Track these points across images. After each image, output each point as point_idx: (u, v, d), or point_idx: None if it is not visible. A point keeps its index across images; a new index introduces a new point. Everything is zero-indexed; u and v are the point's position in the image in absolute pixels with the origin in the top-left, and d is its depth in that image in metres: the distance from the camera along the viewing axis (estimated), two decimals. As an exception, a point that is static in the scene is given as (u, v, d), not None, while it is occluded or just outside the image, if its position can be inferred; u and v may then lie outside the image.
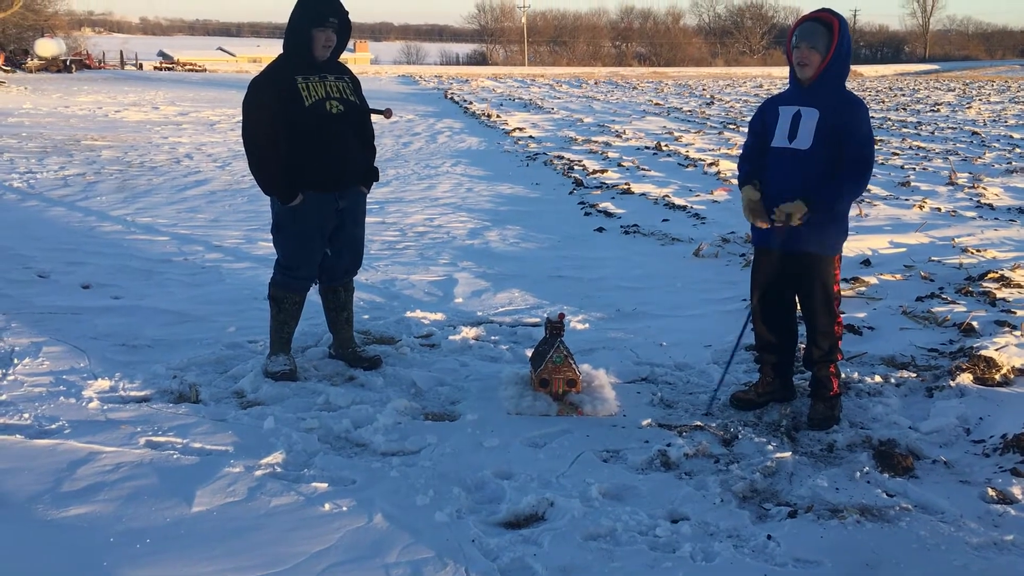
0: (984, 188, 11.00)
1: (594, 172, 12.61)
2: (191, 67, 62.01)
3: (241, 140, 4.47)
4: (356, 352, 4.78)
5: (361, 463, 3.58)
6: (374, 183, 4.76)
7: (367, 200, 4.81)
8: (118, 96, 27.25)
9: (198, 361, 4.71)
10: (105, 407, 4.05)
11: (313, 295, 4.79)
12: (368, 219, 4.89)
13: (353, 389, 4.40)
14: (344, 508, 3.18)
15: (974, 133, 18.74)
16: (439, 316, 5.67)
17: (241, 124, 4.43)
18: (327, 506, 3.19)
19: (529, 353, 4.66)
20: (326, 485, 3.34)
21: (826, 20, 3.90)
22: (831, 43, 3.87)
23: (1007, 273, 6.32)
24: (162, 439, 3.73)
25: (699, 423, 4.01)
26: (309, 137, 4.32)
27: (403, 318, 5.59)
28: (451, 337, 5.23)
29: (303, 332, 5.05)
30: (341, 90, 4.44)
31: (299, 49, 4.35)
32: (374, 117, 4.72)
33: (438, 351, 5.04)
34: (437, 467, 3.55)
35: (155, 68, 60.73)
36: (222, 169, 12.57)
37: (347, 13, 4.42)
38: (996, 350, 4.64)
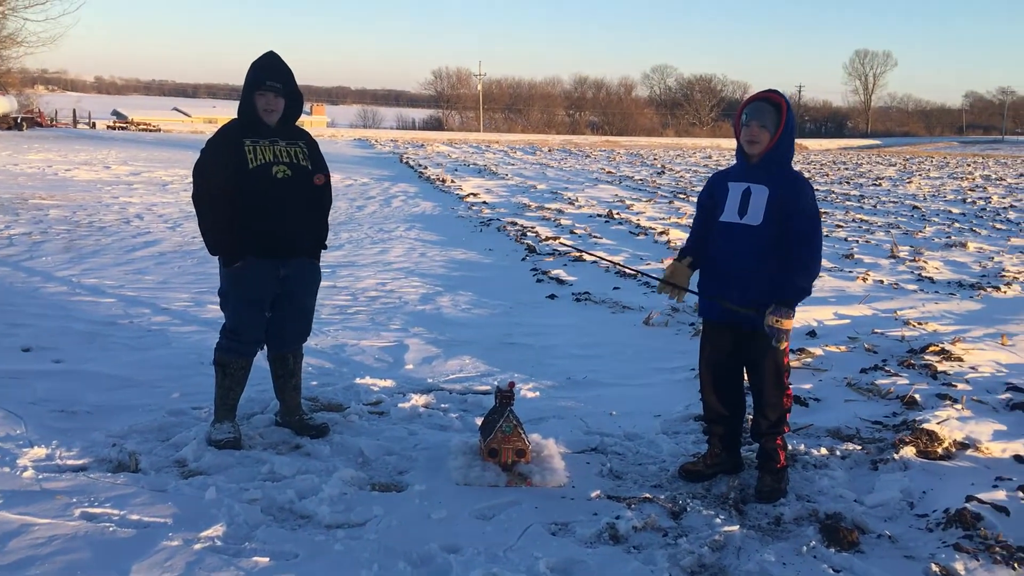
0: (925, 261, 11.30)
1: (547, 239, 12.73)
2: (145, 127, 61.80)
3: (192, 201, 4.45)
4: (303, 420, 4.71)
5: (305, 536, 3.50)
6: (322, 251, 4.71)
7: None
8: (69, 155, 26.99)
9: (139, 428, 4.60)
10: (40, 476, 3.92)
11: (261, 361, 4.73)
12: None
13: (299, 458, 4.33)
14: (285, 584, 3.10)
15: (915, 207, 19.32)
16: (389, 383, 5.62)
17: (192, 185, 4.42)
18: (268, 581, 3.10)
19: (479, 422, 4.63)
20: (267, 559, 3.26)
21: (774, 101, 4.04)
22: (779, 122, 3.99)
23: (947, 346, 6.46)
24: (98, 510, 3.61)
25: (648, 495, 4.00)
26: (252, 201, 4.30)
27: (352, 384, 5.54)
28: (400, 405, 5.18)
29: (249, 399, 4.96)
30: (292, 155, 4.43)
31: (248, 112, 4.38)
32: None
33: (387, 419, 4.99)
34: (382, 540, 3.48)
35: (108, 127, 60.45)
36: (173, 230, 12.45)
37: (291, 76, 4.43)
38: (938, 423, 4.72)
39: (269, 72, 4.37)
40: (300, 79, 4.54)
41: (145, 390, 5.30)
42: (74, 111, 64.08)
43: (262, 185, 4.30)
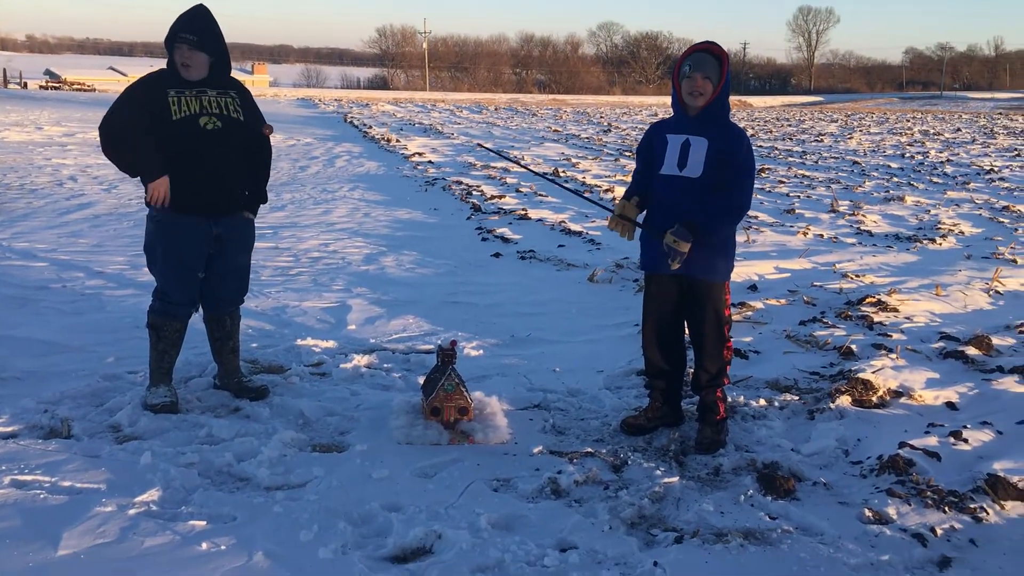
0: (863, 215, 11.48)
1: (492, 198, 12.66)
2: (79, 86, 59.96)
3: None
4: (242, 382, 4.63)
5: (243, 498, 3.45)
6: (261, 206, 4.60)
7: (257, 224, 4.67)
8: (-2, 115, 26.07)
9: (72, 394, 4.48)
10: (-33, 445, 3.81)
11: (199, 323, 4.63)
12: (260, 244, 4.76)
13: (238, 421, 4.26)
14: (223, 547, 3.05)
15: (855, 162, 19.58)
16: (331, 344, 5.56)
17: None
18: (204, 545, 3.05)
19: (421, 381, 4.60)
20: (204, 523, 3.21)
21: (716, 53, 4.00)
22: (722, 75, 3.97)
23: (884, 298, 6.59)
24: (28, 478, 3.51)
25: (590, 449, 4.02)
26: (178, 155, 4.15)
27: (293, 346, 5.46)
28: (342, 365, 5.13)
29: (186, 361, 4.87)
30: (223, 106, 4.28)
31: (172, 66, 4.23)
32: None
33: (328, 380, 4.93)
34: (323, 501, 3.45)
35: (41, 87, 58.56)
36: (108, 192, 12.13)
37: (209, 29, 4.23)
38: (873, 373, 4.81)
39: (183, 24, 4.19)
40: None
41: (78, 355, 5.17)
42: (4, 70, 61.94)
43: (189, 137, 4.16)
